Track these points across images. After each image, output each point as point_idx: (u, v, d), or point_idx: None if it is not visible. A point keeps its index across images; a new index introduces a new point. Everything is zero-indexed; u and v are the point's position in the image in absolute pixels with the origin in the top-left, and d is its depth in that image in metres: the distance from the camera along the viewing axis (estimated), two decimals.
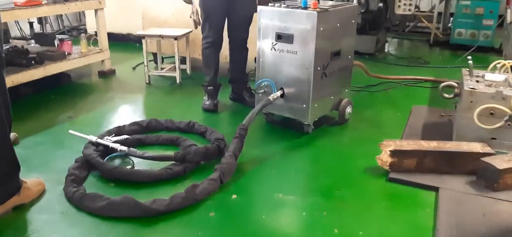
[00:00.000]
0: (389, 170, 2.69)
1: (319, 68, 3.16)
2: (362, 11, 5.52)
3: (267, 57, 3.31)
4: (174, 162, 2.72)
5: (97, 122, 3.58)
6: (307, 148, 3.14)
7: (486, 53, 5.85)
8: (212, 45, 3.69)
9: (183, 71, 4.74)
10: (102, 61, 4.81)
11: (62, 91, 4.34)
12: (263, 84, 3.32)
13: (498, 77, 3.11)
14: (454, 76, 4.72)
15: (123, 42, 6.19)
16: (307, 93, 3.18)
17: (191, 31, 4.50)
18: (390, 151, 2.67)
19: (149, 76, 4.55)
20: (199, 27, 3.78)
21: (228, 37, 3.81)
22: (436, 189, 2.52)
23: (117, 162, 2.79)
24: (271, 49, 3.27)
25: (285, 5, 3.20)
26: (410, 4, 5.49)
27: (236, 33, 3.76)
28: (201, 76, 3.93)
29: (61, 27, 7.12)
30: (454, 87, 3.23)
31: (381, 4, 5.64)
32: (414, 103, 4.01)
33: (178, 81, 4.53)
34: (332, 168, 2.86)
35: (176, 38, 4.37)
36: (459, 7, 6.00)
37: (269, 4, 3.28)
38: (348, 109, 3.53)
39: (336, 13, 3.22)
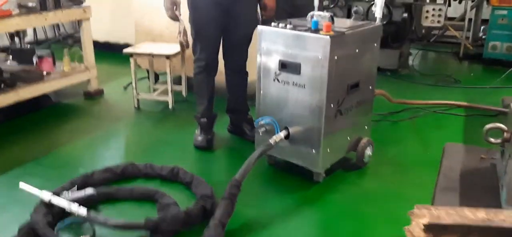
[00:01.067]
0: None
1: (332, 105, 2.53)
2: (384, 22, 4.85)
3: (269, 90, 2.70)
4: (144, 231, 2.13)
5: (67, 163, 3.01)
6: (316, 206, 2.52)
7: None
8: (205, 70, 3.09)
9: (178, 93, 4.15)
10: (88, 80, 4.24)
11: (39, 118, 3.78)
12: (263, 122, 2.70)
13: None
14: (491, 99, 4.06)
15: (120, 53, 5.61)
16: (318, 136, 2.55)
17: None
18: (424, 225, 2.03)
19: (138, 100, 3.96)
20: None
21: (224, 59, 3.20)
22: None
23: (73, 230, 2.20)
24: (274, 80, 2.65)
25: (291, 26, 2.57)
26: (439, 15, 4.79)
27: (233, 55, 3.15)
28: None
29: (56, 35, 6.60)
30: (502, 131, 2.57)
31: (405, 15, 4.96)
32: (446, 137, 3.35)
33: (170, 106, 3.93)
34: None
35: (168, 56, 3.77)
36: (494, 18, 5.27)
37: (272, 23, 2.66)
38: (368, 151, 2.89)
39: (354, 36, 2.59)
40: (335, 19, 2.68)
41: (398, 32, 5.13)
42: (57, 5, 3.81)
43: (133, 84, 3.91)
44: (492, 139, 2.67)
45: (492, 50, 5.36)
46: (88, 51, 4.19)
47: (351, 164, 2.91)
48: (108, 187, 2.55)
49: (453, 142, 3.25)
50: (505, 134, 2.57)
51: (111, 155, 3.16)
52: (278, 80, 2.63)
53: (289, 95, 2.61)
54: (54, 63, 4.15)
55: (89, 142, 3.38)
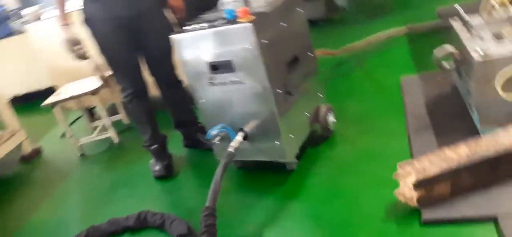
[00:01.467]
0: (419, 207, 1.91)
1: (278, 90, 2.31)
2: None
3: (208, 96, 2.44)
4: None
5: None
6: (299, 197, 2.32)
7: None
8: (135, 97, 2.77)
9: (119, 122, 3.82)
10: (19, 145, 3.82)
11: None
12: (215, 132, 2.44)
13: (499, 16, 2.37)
14: (426, 13, 3.99)
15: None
16: (275, 127, 2.34)
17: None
18: (413, 184, 1.89)
19: (80, 146, 3.60)
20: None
21: (152, 77, 2.88)
22: (494, 220, 1.76)
23: None
24: (210, 84, 2.39)
25: (206, 24, 2.29)
26: None
27: (158, 70, 2.83)
28: None
29: None
30: (452, 53, 2.45)
31: None
32: (398, 72, 3.25)
33: (115, 141, 3.60)
34: (339, 225, 2.06)
35: (94, 92, 3.40)
36: None
37: (185, 27, 2.38)
38: (330, 118, 2.72)
39: (276, 11, 2.34)
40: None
41: None
42: None
43: (67, 134, 3.54)
44: (445, 65, 2.57)
45: None
46: (6, 115, 3.76)
47: (318, 136, 2.72)
48: None
49: (407, 75, 3.15)
50: (455, 55, 2.47)
51: (68, 224, 2.80)
52: (213, 83, 2.38)
53: (231, 96, 2.36)
54: None
55: (39, 219, 2.94)
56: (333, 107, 2.76)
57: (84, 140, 3.65)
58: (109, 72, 2.87)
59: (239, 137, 2.38)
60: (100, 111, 3.53)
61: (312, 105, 2.68)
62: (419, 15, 4.11)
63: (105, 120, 3.53)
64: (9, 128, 3.79)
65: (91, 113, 4.10)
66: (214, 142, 2.48)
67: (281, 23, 2.38)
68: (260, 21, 2.18)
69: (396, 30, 3.92)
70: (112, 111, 3.91)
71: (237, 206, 2.41)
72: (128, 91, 2.77)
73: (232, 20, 2.21)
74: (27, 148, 3.87)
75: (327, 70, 3.60)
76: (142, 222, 2.42)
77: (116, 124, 3.73)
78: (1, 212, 3.18)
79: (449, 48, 2.46)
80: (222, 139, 2.45)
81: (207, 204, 2.08)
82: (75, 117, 4.22)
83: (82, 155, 3.61)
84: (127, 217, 2.47)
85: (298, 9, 2.57)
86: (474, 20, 2.45)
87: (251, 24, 2.12)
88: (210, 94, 2.42)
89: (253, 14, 2.20)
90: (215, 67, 2.32)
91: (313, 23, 4.83)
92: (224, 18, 2.26)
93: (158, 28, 2.69)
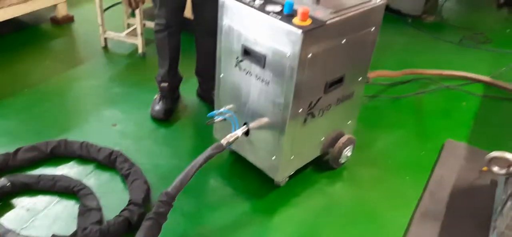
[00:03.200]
0: None
1: (301, 109, 2.10)
2: None
3: (230, 76, 2.26)
4: None
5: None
6: (269, 222, 2.18)
7: None
8: (166, 29, 2.65)
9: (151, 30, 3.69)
10: (55, 5, 3.81)
11: None
12: (219, 117, 2.30)
13: None
14: None
15: None
16: (279, 143, 2.16)
17: None
18: None
19: (105, 39, 3.55)
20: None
21: (193, 16, 2.73)
22: None
23: None
24: (235, 66, 2.21)
25: (261, 2, 2.06)
26: None
27: (202, 13, 2.66)
28: None
29: None
30: (509, 164, 2.13)
31: None
32: (454, 126, 2.97)
33: (140, 50, 3.51)
34: None
35: None
36: None
37: None
38: (347, 152, 2.49)
39: (340, 25, 2.03)
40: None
41: None
42: None
43: (99, 20, 3.47)
44: (496, 169, 2.24)
45: None
46: None
47: (324, 161, 2.51)
48: (28, 176, 2.22)
49: (455, 141, 2.81)
50: (511, 167, 2.14)
51: (55, 115, 2.80)
52: (239, 66, 2.19)
53: (251, 88, 2.17)
54: None
55: (36, 94, 2.97)
56: (359, 137, 2.54)
57: (111, 34, 3.57)
58: None
59: (239, 132, 2.23)
60: (136, 14, 3.39)
61: (333, 131, 2.44)
62: None
63: (138, 25, 3.42)
64: None
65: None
66: (215, 120, 2.35)
67: (340, 38, 2.08)
68: (314, 32, 1.90)
69: (476, 76, 3.50)
70: (150, 15, 3.77)
71: (206, 194, 2.34)
72: (161, 20, 2.63)
73: (288, 15, 1.94)
74: (61, 12, 3.86)
75: (381, 82, 3.29)
76: (111, 162, 2.37)
77: (149, 32, 3.61)
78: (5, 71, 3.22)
79: (506, 156, 2.13)
80: (224, 121, 2.32)
81: (168, 189, 1.96)
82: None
83: (105, 47, 3.58)
84: (99, 149, 2.42)
85: (372, 28, 2.23)
86: None
87: (302, 32, 1.85)
88: (232, 74, 2.24)
89: (312, 18, 1.92)
90: (247, 53, 2.11)
91: (403, 15, 4.46)
92: (281, 7, 2.00)
93: None
